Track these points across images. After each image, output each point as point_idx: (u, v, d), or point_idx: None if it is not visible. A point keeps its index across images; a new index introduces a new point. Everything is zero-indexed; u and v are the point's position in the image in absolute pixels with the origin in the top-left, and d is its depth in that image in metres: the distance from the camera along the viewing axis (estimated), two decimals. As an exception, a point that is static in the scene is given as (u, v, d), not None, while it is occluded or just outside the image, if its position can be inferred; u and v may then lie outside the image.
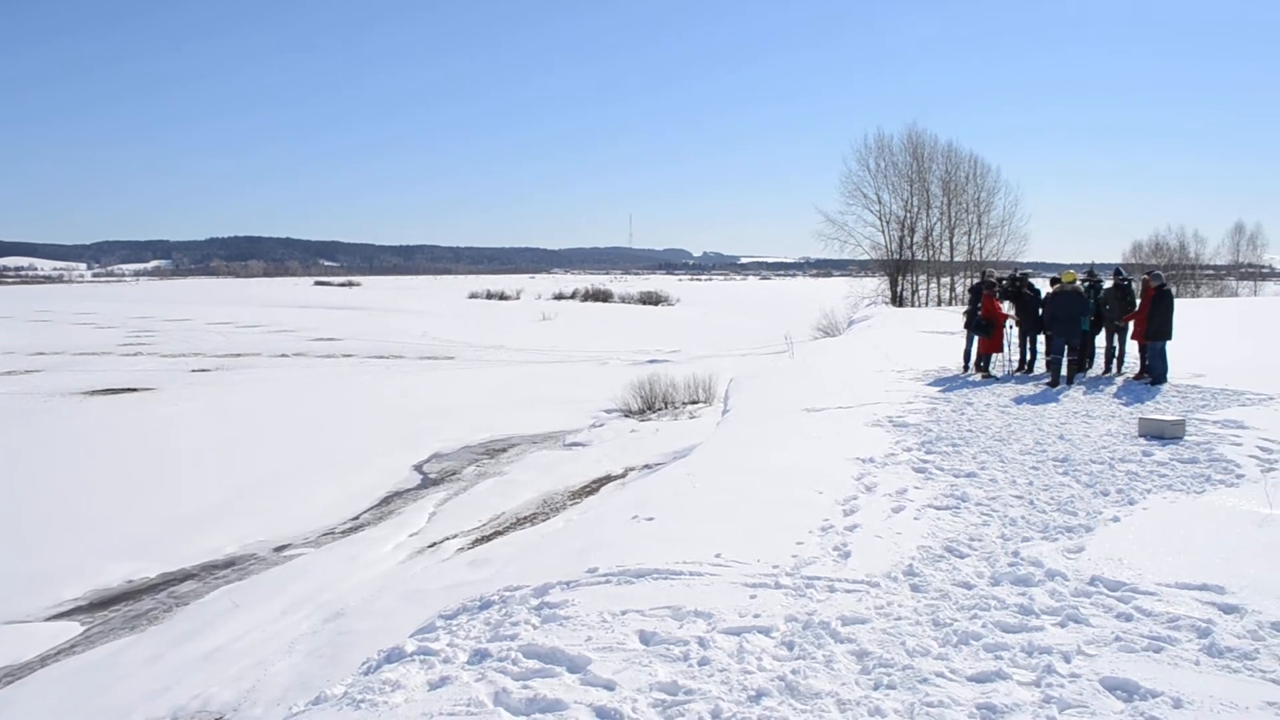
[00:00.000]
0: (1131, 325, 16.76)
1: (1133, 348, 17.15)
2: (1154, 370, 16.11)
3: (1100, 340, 18.03)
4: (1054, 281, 17.29)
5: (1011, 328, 18.62)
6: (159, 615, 11.33)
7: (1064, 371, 16.48)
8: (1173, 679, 4.94)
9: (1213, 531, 7.56)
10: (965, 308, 19.23)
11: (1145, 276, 16.92)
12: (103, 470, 18.36)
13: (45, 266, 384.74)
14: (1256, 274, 79.80)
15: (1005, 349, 18.74)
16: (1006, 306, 18.80)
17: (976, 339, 18.24)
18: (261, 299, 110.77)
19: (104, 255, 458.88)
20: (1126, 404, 14.25)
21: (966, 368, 18.43)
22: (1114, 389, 15.80)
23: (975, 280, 20.32)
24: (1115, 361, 17.63)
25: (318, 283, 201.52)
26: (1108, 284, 17.89)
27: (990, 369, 18.18)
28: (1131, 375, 16.81)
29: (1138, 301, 16.72)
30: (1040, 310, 17.41)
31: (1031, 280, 18.59)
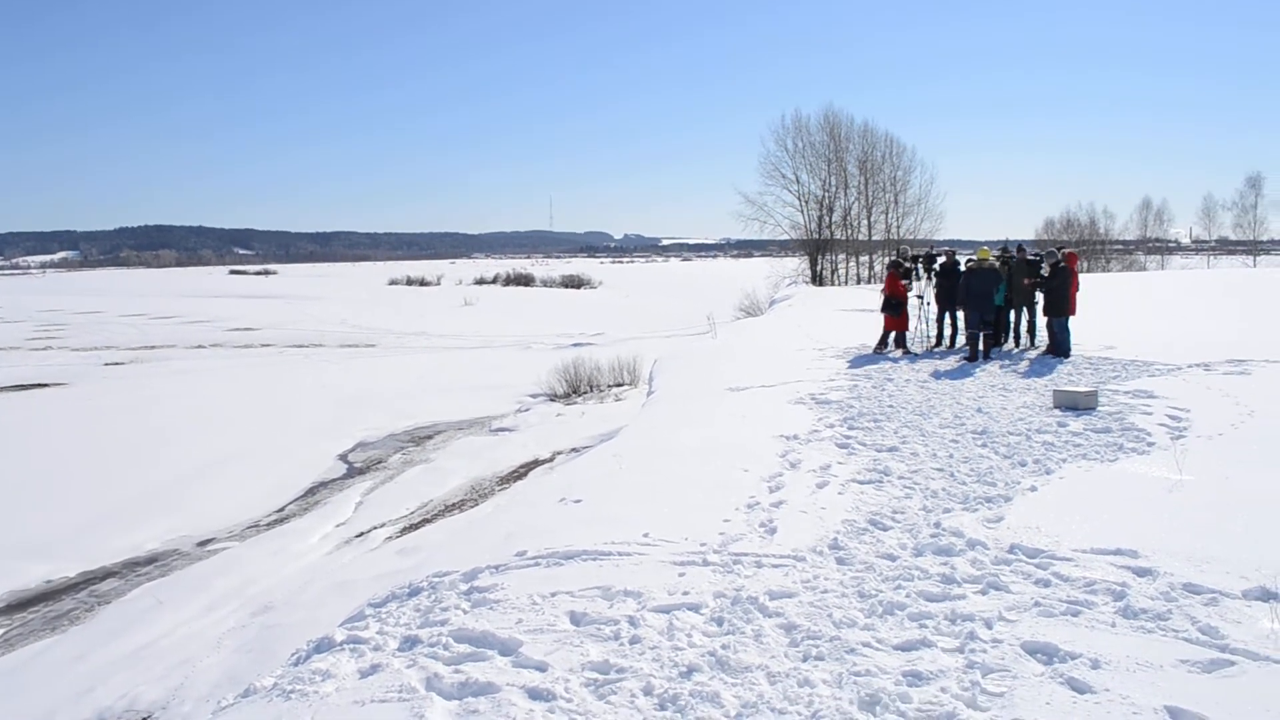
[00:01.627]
0: (1041, 300, 17.15)
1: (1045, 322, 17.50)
2: (1057, 345, 16.51)
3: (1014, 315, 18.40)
4: (969, 260, 17.65)
5: (928, 304, 18.99)
6: (80, 615, 11.08)
7: (980, 346, 16.81)
8: (1091, 641, 5.09)
9: (1126, 498, 7.79)
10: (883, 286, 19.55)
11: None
12: (13, 468, 17.87)
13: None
14: (1163, 248, 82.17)
15: (924, 324, 19.13)
16: (923, 284, 19.21)
17: (884, 317, 18.63)
18: (175, 289, 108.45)
19: (7, 247, 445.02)
20: (1041, 377, 14.59)
21: (884, 345, 18.72)
22: (1028, 363, 16.15)
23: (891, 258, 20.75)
24: (1028, 335, 18.02)
25: (233, 271, 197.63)
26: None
27: (909, 345, 18.55)
28: (1044, 349, 17.18)
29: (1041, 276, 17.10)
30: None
31: (956, 257, 18.89)
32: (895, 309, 18.38)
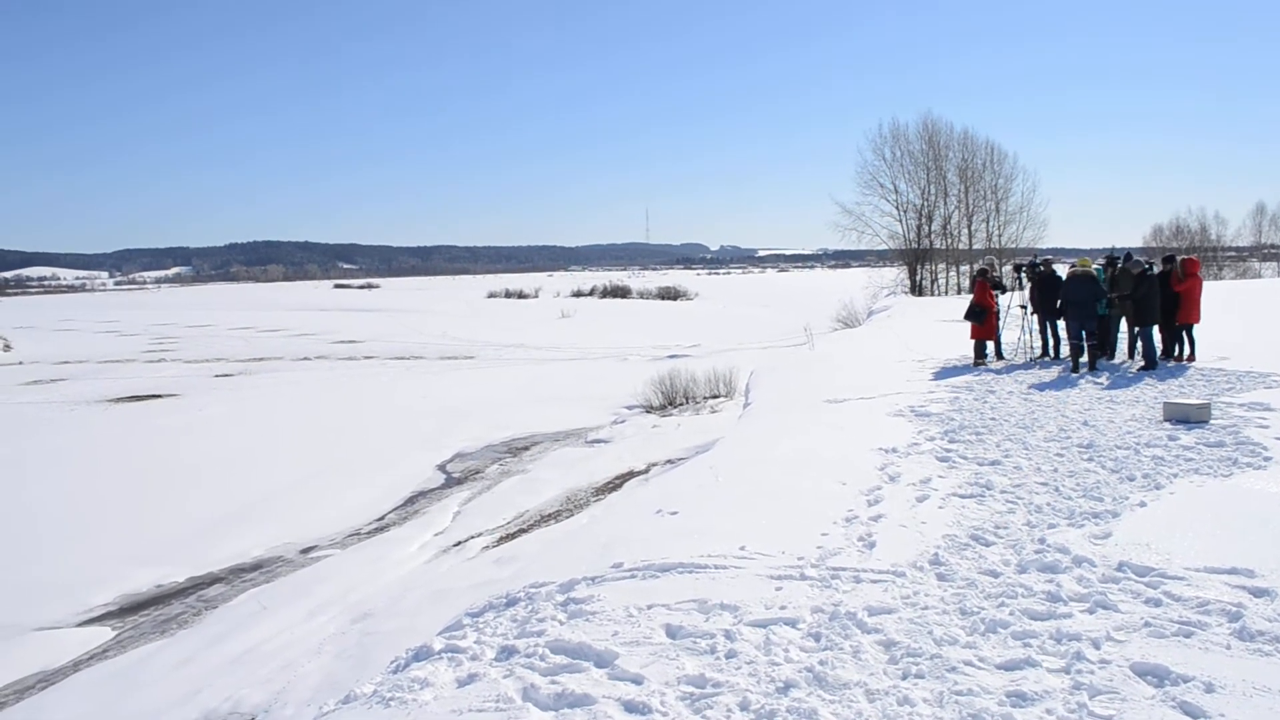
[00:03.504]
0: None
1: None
2: (1146, 355, 16.01)
3: (1122, 326, 17.88)
4: (1071, 267, 17.24)
5: (1031, 314, 18.62)
6: (188, 619, 11.41)
7: (1084, 357, 16.38)
8: (1204, 663, 4.91)
9: (1241, 515, 7.50)
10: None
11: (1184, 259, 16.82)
12: (129, 476, 18.49)
13: (68, 276, 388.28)
14: (1280, 254, 79.12)
15: (1026, 335, 18.78)
16: (1022, 294, 18.86)
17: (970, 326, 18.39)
18: (282, 303, 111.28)
19: (125, 263, 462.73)
20: (1150, 389, 14.16)
21: (982, 357, 18.42)
22: (1136, 374, 15.67)
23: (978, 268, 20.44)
24: (1130, 346, 17.48)
25: (337, 285, 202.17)
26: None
27: (1006, 354, 18.31)
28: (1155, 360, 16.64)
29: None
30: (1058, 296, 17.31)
31: (1053, 265, 18.48)
32: (980, 317, 18.11)
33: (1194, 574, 6.22)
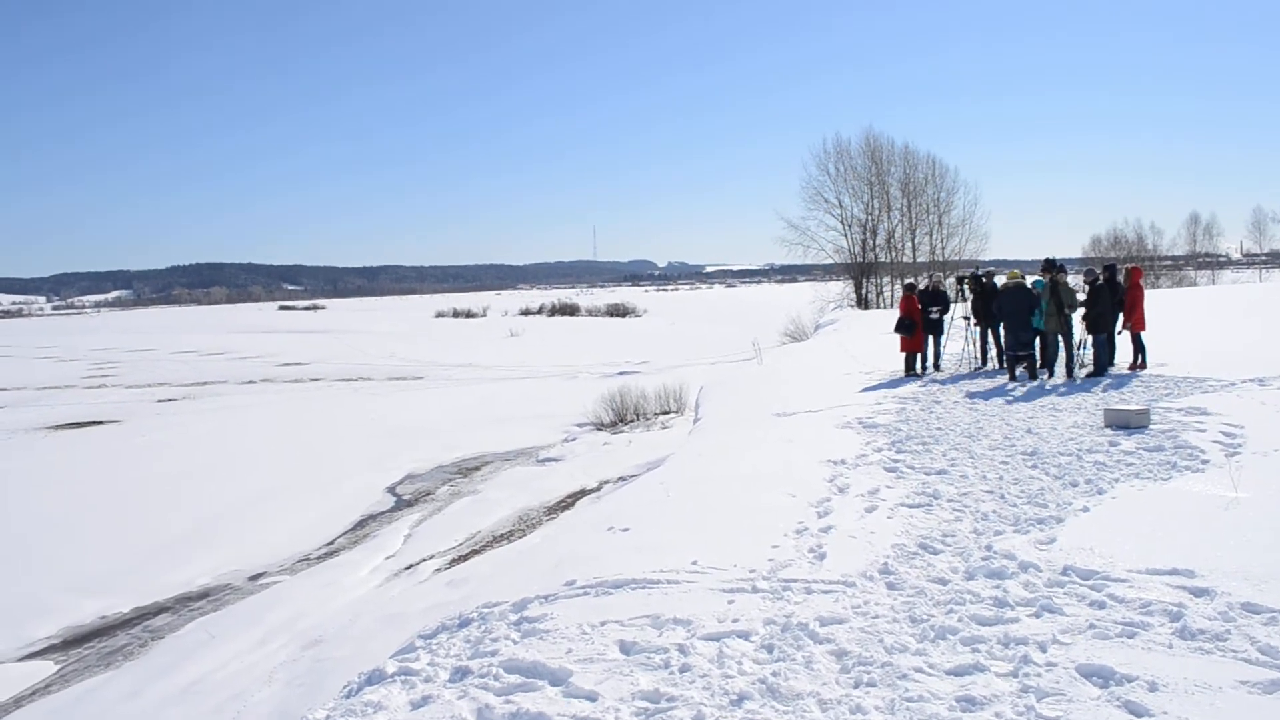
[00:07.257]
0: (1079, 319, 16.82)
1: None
2: (1097, 362, 16.28)
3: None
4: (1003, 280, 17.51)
5: (974, 325, 18.89)
6: (134, 650, 11.21)
7: (1021, 367, 16.62)
8: (1147, 663, 5.01)
9: (1181, 517, 7.65)
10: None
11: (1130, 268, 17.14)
12: (70, 505, 18.15)
13: (3, 301, 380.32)
14: (1214, 263, 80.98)
15: (970, 346, 19.06)
16: (965, 306, 19.14)
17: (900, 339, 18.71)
18: (226, 325, 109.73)
19: (63, 287, 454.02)
20: (1092, 396, 14.40)
21: (925, 368, 18.72)
22: (1078, 383, 15.91)
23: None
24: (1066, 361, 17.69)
25: (282, 307, 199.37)
26: (1073, 279, 18.02)
27: (927, 369, 18.63)
28: (1091, 369, 16.87)
29: (1079, 295, 16.82)
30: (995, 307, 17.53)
31: (996, 277, 18.75)
32: (909, 330, 18.43)
33: (1136, 576, 6.34)
